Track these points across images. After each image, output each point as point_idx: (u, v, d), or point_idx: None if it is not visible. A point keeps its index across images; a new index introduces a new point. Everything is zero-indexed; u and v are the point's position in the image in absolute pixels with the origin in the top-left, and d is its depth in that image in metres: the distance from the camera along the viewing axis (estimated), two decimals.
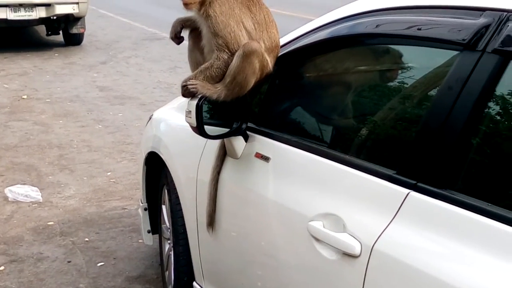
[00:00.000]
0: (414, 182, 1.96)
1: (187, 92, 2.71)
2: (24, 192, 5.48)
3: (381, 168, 2.11)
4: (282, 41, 2.82)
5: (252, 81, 2.65)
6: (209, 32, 2.66)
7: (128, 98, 8.87)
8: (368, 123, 2.41)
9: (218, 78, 2.67)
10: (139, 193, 5.62)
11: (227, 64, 2.64)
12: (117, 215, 5.19)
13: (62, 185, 5.79)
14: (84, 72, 10.49)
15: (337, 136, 2.57)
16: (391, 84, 2.48)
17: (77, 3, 11.72)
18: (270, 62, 2.69)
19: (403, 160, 2.06)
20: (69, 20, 12.08)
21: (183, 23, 2.87)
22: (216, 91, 2.67)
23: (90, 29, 13.56)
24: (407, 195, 1.96)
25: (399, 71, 2.41)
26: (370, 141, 2.36)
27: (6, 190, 5.48)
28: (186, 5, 2.65)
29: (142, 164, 4.04)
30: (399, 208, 1.98)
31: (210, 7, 2.63)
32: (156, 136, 3.84)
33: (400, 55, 2.39)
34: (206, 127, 2.74)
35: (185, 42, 2.94)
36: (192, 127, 2.76)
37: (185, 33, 2.90)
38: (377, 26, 2.32)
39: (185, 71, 10.96)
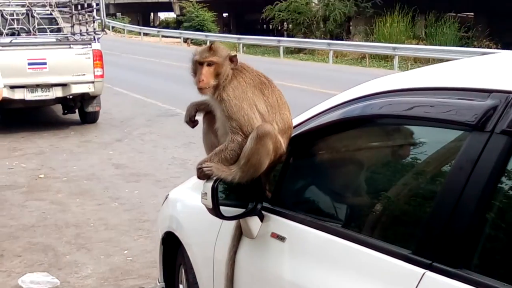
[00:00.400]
0: (430, 262, 1.97)
1: (202, 174, 2.76)
2: (36, 279, 5.40)
3: (396, 248, 2.13)
4: (295, 121, 2.88)
5: (266, 163, 2.70)
6: (223, 115, 2.73)
7: (143, 175, 8.94)
8: (381, 203, 2.43)
9: (232, 160, 2.73)
10: (156, 272, 5.62)
11: (241, 146, 2.70)
12: None
13: (79, 264, 5.80)
14: (100, 150, 10.62)
15: (351, 215, 2.59)
16: (403, 164, 2.50)
17: (93, 82, 11.94)
18: (283, 143, 2.75)
19: (418, 239, 2.08)
20: (85, 99, 12.32)
21: (197, 107, 2.94)
22: (231, 173, 2.72)
23: (106, 107, 13.77)
24: (423, 275, 1.97)
25: (410, 152, 2.44)
26: (384, 220, 2.38)
27: (19, 281, 5.40)
28: (200, 89, 2.73)
29: (159, 244, 4.07)
30: None
31: (224, 91, 2.71)
32: (172, 216, 3.88)
33: (410, 136, 2.43)
34: (221, 207, 2.78)
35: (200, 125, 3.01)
36: (208, 208, 2.80)
37: (199, 117, 2.97)
38: (387, 107, 2.37)
39: (199, 146, 10.98)
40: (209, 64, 2.74)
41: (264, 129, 2.66)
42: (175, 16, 54.42)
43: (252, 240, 2.88)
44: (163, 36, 43.06)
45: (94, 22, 13.30)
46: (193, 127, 2.97)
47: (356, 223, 2.52)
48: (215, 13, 43.04)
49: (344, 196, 2.70)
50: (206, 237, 3.33)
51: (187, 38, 38.77)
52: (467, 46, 26.99)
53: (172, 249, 3.98)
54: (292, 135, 2.83)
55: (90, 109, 12.57)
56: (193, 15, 42.24)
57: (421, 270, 1.99)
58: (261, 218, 2.84)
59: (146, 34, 45.85)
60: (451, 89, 2.17)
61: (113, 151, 10.57)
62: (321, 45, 28.52)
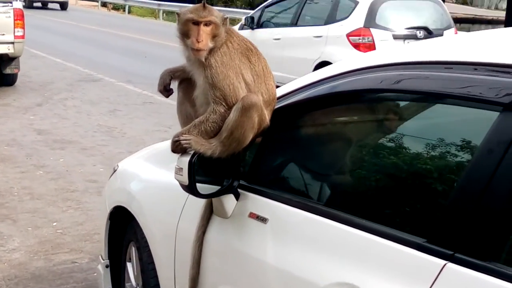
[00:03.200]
0: (451, 252, 1.80)
1: (179, 148, 2.51)
2: None
3: (407, 235, 1.95)
4: (277, 93, 2.66)
5: (250, 136, 2.48)
6: (206, 83, 2.48)
7: (68, 142, 8.54)
8: (388, 184, 2.24)
9: (213, 133, 2.49)
10: (89, 246, 5.34)
11: (223, 118, 2.47)
12: (67, 269, 4.87)
13: (5, 236, 5.42)
14: (19, 115, 10.08)
15: (350, 197, 2.37)
16: (416, 142, 2.26)
17: (13, 43, 11.33)
18: (267, 116, 2.53)
19: (434, 226, 1.90)
20: (3, 60, 11.67)
21: (172, 74, 2.68)
22: (210, 147, 2.48)
23: (23, 69, 13.08)
24: (444, 266, 1.80)
25: (426, 129, 2.25)
26: (392, 204, 2.17)
27: None
28: (197, 51, 2.46)
29: (106, 219, 3.77)
30: (433, 282, 1.81)
31: (212, 56, 2.47)
32: (123, 189, 3.60)
33: (429, 112, 2.24)
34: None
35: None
36: (182, 185, 2.55)
37: (173, 85, 2.71)
38: (398, 81, 2.17)
39: (125, 113, 10.76)
40: (206, 24, 2.47)
41: (251, 100, 2.43)
42: None
43: (225, 220, 2.66)
44: None
45: None
46: (167, 96, 2.71)
47: (357, 207, 2.29)
48: None
49: (340, 175, 2.49)
50: (167, 214, 3.09)
51: (106, 2, 37.70)
52: None
53: (120, 225, 3.71)
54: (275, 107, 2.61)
55: (8, 71, 11.89)
56: None
57: (440, 261, 1.81)
58: (237, 197, 2.62)
59: None
60: (474, 64, 1.99)
61: (34, 116, 10.06)
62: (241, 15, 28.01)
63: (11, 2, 11.43)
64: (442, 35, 10.15)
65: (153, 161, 3.47)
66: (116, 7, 36.20)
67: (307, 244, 2.25)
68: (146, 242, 3.29)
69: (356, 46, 10.00)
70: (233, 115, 2.44)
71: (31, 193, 6.53)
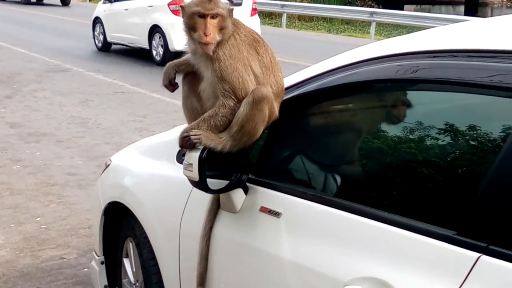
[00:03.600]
0: (485, 244, 1.78)
1: (188, 143, 2.45)
2: None
3: (435, 228, 1.92)
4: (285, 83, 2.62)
5: (261, 130, 2.44)
6: (214, 77, 2.42)
7: (43, 135, 8.39)
8: (413, 175, 2.17)
9: (223, 127, 2.44)
10: (76, 241, 5.26)
11: (233, 112, 2.41)
12: (56, 265, 4.79)
13: None
14: None
15: (372, 189, 2.30)
16: (442, 132, 2.15)
17: None
18: (277, 108, 2.49)
19: (465, 218, 1.87)
20: None
21: (176, 68, 2.61)
22: (221, 142, 2.43)
23: None
24: (477, 259, 1.77)
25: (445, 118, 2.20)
26: (418, 196, 2.13)
27: None
28: (206, 44, 2.40)
29: (100, 215, 3.70)
30: (467, 275, 1.78)
31: (220, 49, 2.40)
32: (119, 184, 3.53)
33: (455, 102, 2.20)
34: None
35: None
36: (192, 181, 2.50)
37: (177, 79, 2.65)
38: (415, 70, 2.13)
39: (98, 104, 10.61)
40: (213, 17, 2.41)
41: (261, 93, 2.38)
42: None
43: (234, 214, 2.61)
44: None
45: None
46: (173, 91, 2.64)
47: (375, 198, 2.25)
48: None
49: (359, 167, 2.44)
50: (169, 209, 3.03)
51: None
52: (350, 5, 27.76)
53: (115, 220, 3.64)
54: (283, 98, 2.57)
55: None
56: None
57: (474, 254, 1.78)
58: (246, 191, 2.57)
59: None
60: (496, 52, 1.96)
61: (4, 108, 9.86)
62: None
63: None
64: (241, 4, 14.57)
65: (149, 155, 3.41)
66: None
67: (327, 238, 2.21)
68: (146, 238, 3.23)
69: (174, 12, 13.64)
70: (243, 108, 2.39)
71: (10, 188, 6.41)
